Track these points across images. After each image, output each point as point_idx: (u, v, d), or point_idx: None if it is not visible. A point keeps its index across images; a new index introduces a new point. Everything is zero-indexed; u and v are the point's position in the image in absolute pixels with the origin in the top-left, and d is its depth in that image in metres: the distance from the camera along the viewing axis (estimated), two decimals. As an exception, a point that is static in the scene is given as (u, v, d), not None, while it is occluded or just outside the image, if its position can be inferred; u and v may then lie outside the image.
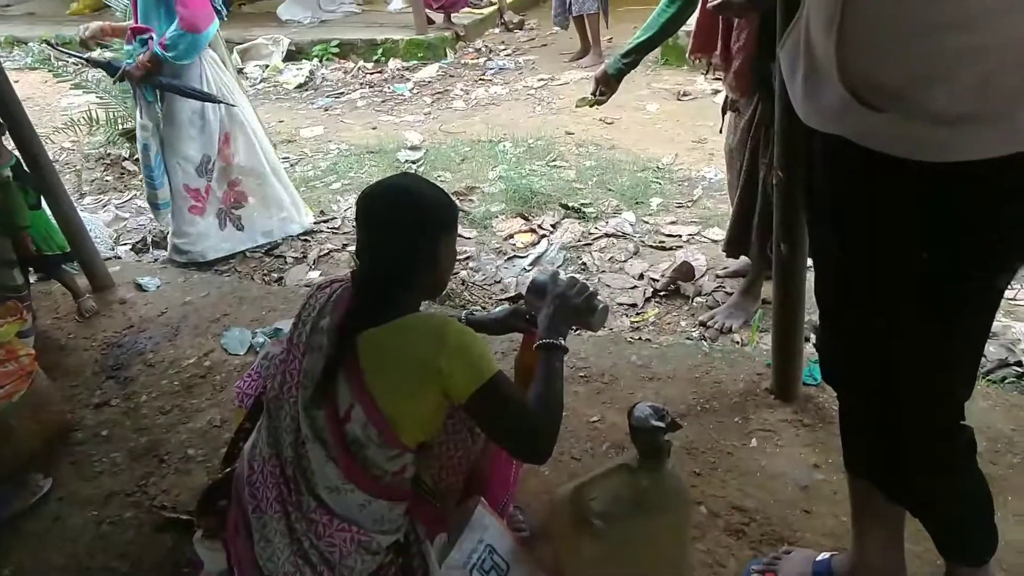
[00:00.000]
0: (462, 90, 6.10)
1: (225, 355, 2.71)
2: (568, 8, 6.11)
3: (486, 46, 7.25)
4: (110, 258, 3.60)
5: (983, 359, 2.19)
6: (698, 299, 3.03)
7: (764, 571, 1.65)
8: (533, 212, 3.82)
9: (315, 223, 3.88)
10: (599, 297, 1.60)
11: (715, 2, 2.16)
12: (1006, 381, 2.33)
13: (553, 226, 3.70)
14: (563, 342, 1.47)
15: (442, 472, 1.54)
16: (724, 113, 2.70)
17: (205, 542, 1.62)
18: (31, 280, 2.92)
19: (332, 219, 3.98)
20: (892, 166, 1.05)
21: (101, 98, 4.78)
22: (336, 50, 7.17)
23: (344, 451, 1.33)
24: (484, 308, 3.08)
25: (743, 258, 2.93)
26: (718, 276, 3.15)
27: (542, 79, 6.12)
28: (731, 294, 2.97)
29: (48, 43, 3.95)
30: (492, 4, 8.04)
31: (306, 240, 3.77)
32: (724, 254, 2.97)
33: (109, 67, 3.18)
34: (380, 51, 7.08)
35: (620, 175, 4.17)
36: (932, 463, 1.30)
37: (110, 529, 2.00)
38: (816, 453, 2.00)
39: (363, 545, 1.36)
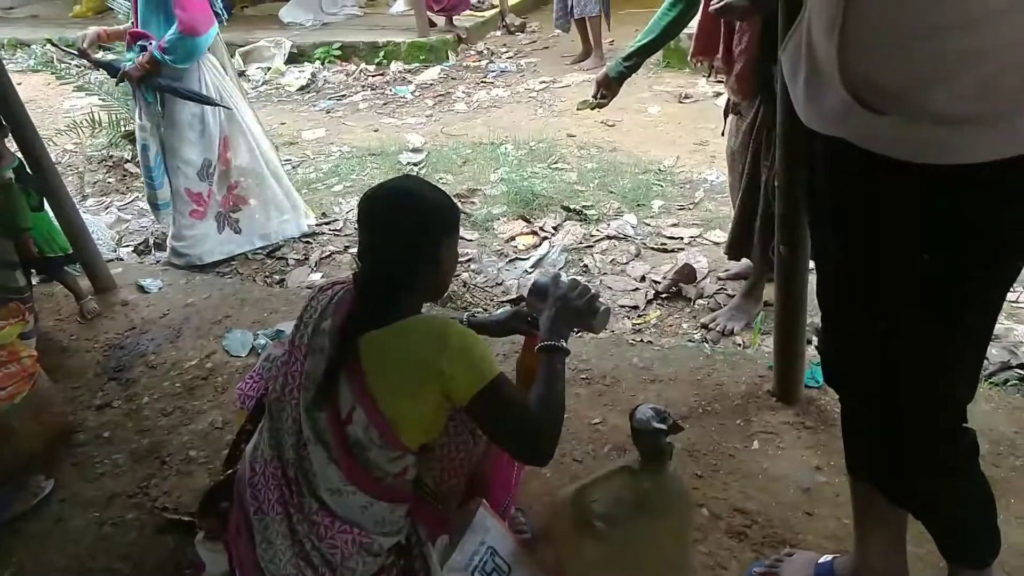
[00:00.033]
0: (464, 92, 6.11)
1: (227, 357, 2.71)
2: (570, 11, 6.12)
3: (488, 48, 7.27)
4: (112, 260, 3.60)
5: (985, 362, 2.19)
6: (700, 301, 3.03)
7: (766, 573, 1.64)
8: (535, 214, 3.82)
9: (317, 225, 3.88)
10: (601, 299, 1.60)
11: (717, 5, 2.17)
12: (1008, 384, 2.33)
13: (555, 228, 3.70)
14: (565, 344, 1.47)
15: (444, 474, 1.53)
16: (726, 116, 2.70)
17: (207, 544, 1.62)
18: (33, 282, 2.92)
19: (334, 221, 3.98)
20: (894, 168, 1.05)
21: (104, 100, 4.80)
22: (338, 52, 7.17)
23: (346, 453, 1.33)
24: (486, 310, 3.08)
25: (745, 260, 2.93)
26: (720, 278, 3.15)
27: (544, 82, 6.13)
28: (733, 296, 2.97)
29: (52, 43, 3.97)
30: (494, 7, 8.06)
31: (308, 242, 3.76)
32: (726, 256, 2.98)
33: (110, 68, 3.20)
34: (382, 53, 7.09)
35: (622, 177, 4.17)
36: (934, 466, 1.29)
37: (112, 531, 2.00)
38: (818, 455, 2.00)
39: (365, 547, 1.36)
